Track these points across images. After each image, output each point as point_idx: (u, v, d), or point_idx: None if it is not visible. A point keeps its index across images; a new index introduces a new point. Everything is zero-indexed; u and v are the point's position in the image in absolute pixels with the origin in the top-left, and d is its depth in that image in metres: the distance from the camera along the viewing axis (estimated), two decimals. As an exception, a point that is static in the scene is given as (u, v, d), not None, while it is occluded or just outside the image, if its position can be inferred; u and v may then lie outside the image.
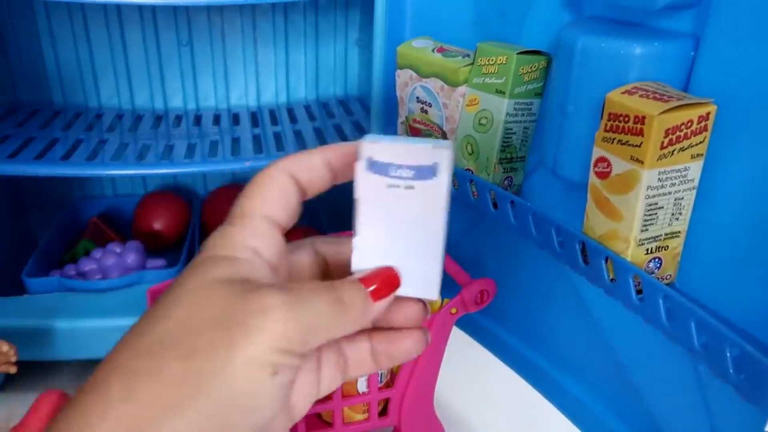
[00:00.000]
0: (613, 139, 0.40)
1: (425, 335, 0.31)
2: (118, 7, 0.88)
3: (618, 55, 0.43)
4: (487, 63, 0.54)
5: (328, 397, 0.55)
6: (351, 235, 0.30)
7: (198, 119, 0.92)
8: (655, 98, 0.38)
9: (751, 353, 0.34)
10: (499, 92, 0.53)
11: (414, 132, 0.63)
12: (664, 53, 0.42)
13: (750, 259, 0.39)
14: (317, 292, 0.26)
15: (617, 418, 0.55)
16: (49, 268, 0.82)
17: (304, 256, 0.31)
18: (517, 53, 0.51)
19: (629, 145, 0.39)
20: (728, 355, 0.35)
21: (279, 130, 0.88)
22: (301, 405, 0.29)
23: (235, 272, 0.26)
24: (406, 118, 0.64)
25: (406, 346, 0.31)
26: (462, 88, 0.57)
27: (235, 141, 0.84)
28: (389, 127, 0.69)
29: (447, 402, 0.67)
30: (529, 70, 0.52)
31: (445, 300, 0.53)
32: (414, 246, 0.30)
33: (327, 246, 0.32)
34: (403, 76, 0.63)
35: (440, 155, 0.28)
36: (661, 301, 0.39)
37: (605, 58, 0.43)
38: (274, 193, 0.29)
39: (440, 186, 0.29)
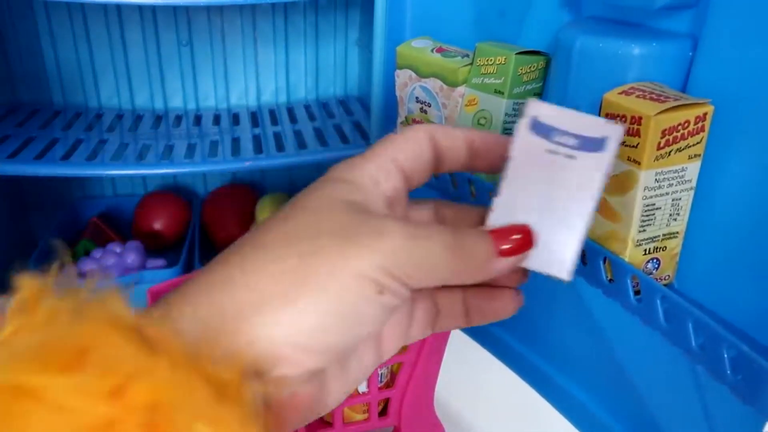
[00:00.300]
0: (611, 139, 0.40)
1: (520, 297, 0.31)
2: (118, 7, 0.88)
3: (616, 55, 0.42)
4: (485, 63, 0.54)
5: None
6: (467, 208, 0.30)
7: (198, 119, 0.93)
8: (651, 99, 0.38)
9: (748, 354, 0.34)
10: (498, 92, 0.53)
11: (413, 132, 0.63)
12: (663, 53, 0.42)
13: (748, 259, 0.39)
14: (438, 232, 0.26)
15: (616, 419, 0.55)
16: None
17: (425, 211, 0.31)
18: (516, 53, 0.51)
19: (626, 145, 0.39)
20: (725, 356, 0.35)
21: (279, 130, 0.88)
22: (390, 346, 0.29)
23: (355, 196, 0.26)
24: (406, 118, 0.64)
25: (501, 305, 0.30)
26: (461, 89, 0.57)
27: (235, 141, 0.84)
28: (389, 127, 0.69)
29: (447, 402, 0.67)
30: (528, 71, 0.52)
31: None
32: (557, 218, 0.29)
33: (450, 209, 0.32)
34: (402, 76, 0.63)
35: (612, 130, 0.27)
36: (658, 301, 0.39)
37: (603, 58, 0.43)
38: (408, 143, 0.29)
39: (604, 161, 0.28)
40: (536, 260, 0.29)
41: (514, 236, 0.28)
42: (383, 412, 0.59)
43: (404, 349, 0.56)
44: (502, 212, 0.29)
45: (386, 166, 0.28)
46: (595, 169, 0.28)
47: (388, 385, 0.58)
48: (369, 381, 0.56)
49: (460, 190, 0.57)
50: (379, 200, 0.27)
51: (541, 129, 0.28)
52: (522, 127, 0.28)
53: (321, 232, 0.25)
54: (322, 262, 0.24)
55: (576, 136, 0.28)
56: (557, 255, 0.29)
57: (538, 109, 0.28)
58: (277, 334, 0.23)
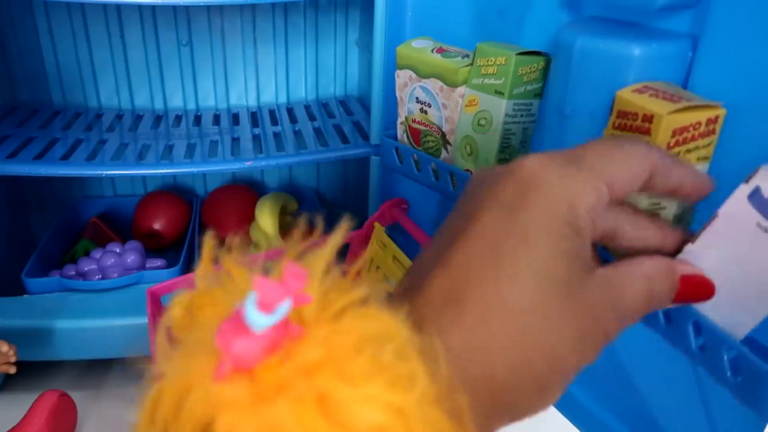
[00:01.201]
0: (619, 137, 0.40)
1: None
2: (118, 7, 0.88)
3: (616, 55, 0.42)
4: (486, 64, 0.54)
5: None
6: None
7: (198, 119, 0.93)
8: (665, 98, 0.38)
9: (748, 356, 0.34)
10: (499, 93, 0.53)
11: (413, 132, 0.63)
12: (663, 54, 0.42)
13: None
14: (639, 298, 0.26)
15: (617, 419, 0.55)
16: (49, 268, 0.82)
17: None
18: (517, 54, 0.51)
19: (633, 144, 0.39)
20: (725, 357, 0.35)
21: (279, 130, 0.88)
22: None
23: (576, 246, 0.25)
24: (406, 118, 0.64)
25: None
26: (461, 89, 0.57)
27: (235, 141, 0.84)
28: (389, 128, 0.69)
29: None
30: (529, 71, 0.52)
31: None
32: (747, 292, 0.29)
33: (629, 225, 0.29)
34: (402, 76, 0.62)
35: None
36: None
37: (604, 58, 0.43)
38: (630, 171, 0.26)
39: None
40: (711, 309, 0.30)
41: (698, 289, 0.28)
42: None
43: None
44: (691, 259, 0.29)
45: (602, 195, 0.26)
46: None
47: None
48: None
49: (460, 190, 0.57)
50: (589, 245, 0.26)
51: (759, 202, 0.28)
52: (741, 192, 0.28)
53: (556, 325, 0.24)
54: (559, 375, 0.24)
55: None
56: (736, 319, 0.30)
57: (766, 181, 0.27)
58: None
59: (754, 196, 0.27)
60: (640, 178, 0.27)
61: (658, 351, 0.46)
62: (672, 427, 0.49)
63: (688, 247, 0.29)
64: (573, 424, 0.57)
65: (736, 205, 0.28)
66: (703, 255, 0.28)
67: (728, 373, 0.35)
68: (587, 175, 0.25)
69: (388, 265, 0.63)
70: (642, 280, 0.26)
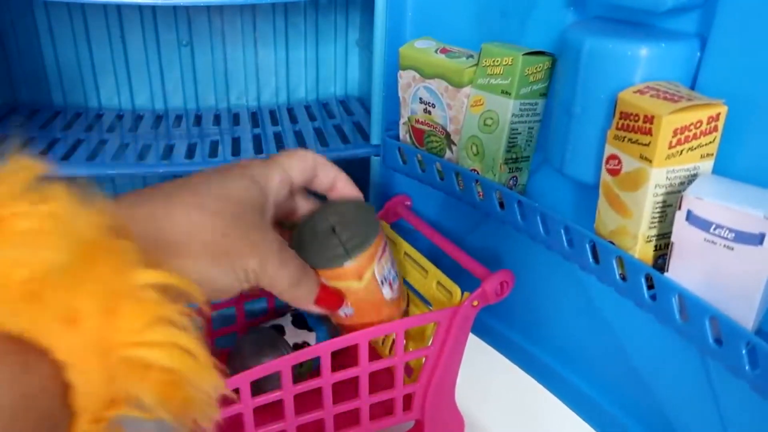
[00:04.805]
0: (624, 137, 0.41)
1: None
2: (118, 7, 0.87)
3: (625, 56, 0.43)
4: (492, 64, 0.54)
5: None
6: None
7: (198, 119, 0.92)
8: (665, 98, 0.38)
9: (766, 349, 0.34)
10: (505, 93, 0.53)
11: (416, 132, 0.64)
12: (671, 54, 0.42)
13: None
14: (289, 278, 0.42)
15: (627, 414, 0.55)
16: (50, 268, 0.82)
17: None
18: (523, 54, 0.52)
19: (639, 143, 0.39)
20: (744, 351, 0.35)
21: (279, 130, 0.88)
22: None
23: (263, 207, 0.42)
24: (408, 118, 0.64)
25: None
26: (466, 89, 0.57)
27: (235, 141, 0.84)
28: (390, 128, 0.70)
29: (457, 401, 0.67)
30: (535, 71, 0.53)
31: (466, 293, 0.53)
32: (726, 296, 0.33)
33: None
34: (406, 77, 0.63)
35: None
36: (674, 299, 0.39)
37: (612, 59, 0.44)
38: (306, 163, 0.48)
39: (764, 254, 0.30)
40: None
41: (331, 299, 0.47)
42: (407, 407, 0.59)
43: (427, 343, 0.55)
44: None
45: (286, 178, 0.45)
46: (756, 260, 0.31)
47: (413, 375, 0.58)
48: (395, 377, 0.55)
49: (466, 190, 0.58)
50: (272, 207, 0.43)
51: (697, 222, 0.33)
52: (679, 218, 0.33)
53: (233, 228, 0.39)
54: (232, 261, 0.38)
55: (731, 230, 0.31)
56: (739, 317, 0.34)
57: (692, 204, 0.33)
58: None
59: (690, 218, 0.32)
60: (309, 171, 0.46)
61: (666, 345, 0.47)
62: (682, 419, 0.49)
63: (667, 274, 0.34)
64: (584, 420, 0.57)
65: (681, 229, 0.33)
66: (682, 279, 0.33)
67: (746, 366, 0.35)
68: (278, 166, 0.43)
69: (399, 261, 0.63)
70: (296, 269, 0.42)
